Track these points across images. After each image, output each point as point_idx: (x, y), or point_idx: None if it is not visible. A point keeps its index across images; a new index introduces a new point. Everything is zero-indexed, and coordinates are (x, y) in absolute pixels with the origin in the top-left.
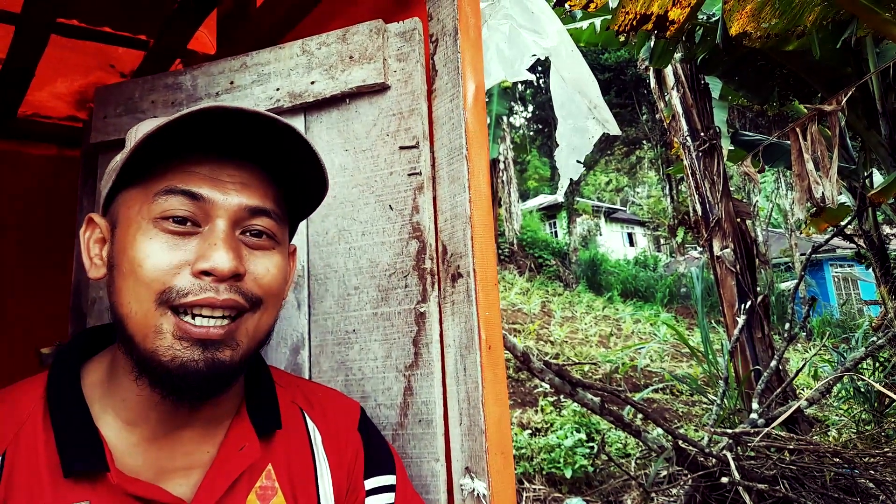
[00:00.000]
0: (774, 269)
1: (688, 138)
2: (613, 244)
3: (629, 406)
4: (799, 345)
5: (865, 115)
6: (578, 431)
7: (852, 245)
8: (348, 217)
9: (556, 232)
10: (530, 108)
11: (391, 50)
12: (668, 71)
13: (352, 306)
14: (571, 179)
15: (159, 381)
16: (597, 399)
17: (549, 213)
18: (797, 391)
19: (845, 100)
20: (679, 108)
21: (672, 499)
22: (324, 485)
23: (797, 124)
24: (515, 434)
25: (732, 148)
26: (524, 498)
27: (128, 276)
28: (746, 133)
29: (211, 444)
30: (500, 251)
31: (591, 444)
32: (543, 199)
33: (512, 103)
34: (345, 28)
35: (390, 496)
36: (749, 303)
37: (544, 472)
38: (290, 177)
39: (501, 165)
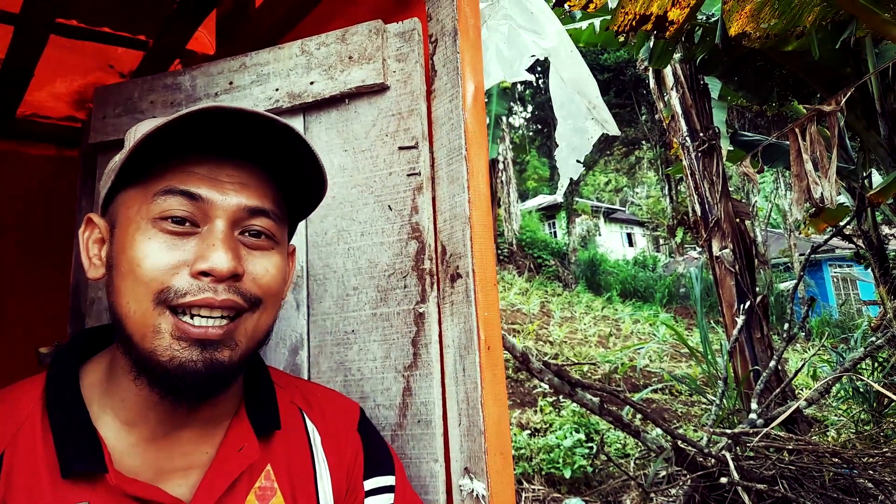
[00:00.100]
0: (773, 269)
1: (687, 138)
2: (612, 244)
3: (628, 406)
4: (798, 345)
5: (864, 115)
6: (577, 432)
7: (851, 245)
8: (347, 217)
9: (555, 232)
10: (529, 108)
11: (390, 50)
12: (668, 71)
13: (351, 307)
14: (571, 179)
15: (158, 381)
16: (596, 399)
17: (549, 213)
18: (796, 391)
19: (844, 100)
20: (678, 109)
21: (671, 499)
22: (323, 485)
23: (796, 125)
24: (514, 434)
25: (731, 148)
26: (523, 498)
27: (126, 276)
28: (745, 133)
29: (210, 444)
30: (500, 251)
31: (590, 445)
32: (542, 200)
33: (511, 104)
34: (344, 28)
35: (389, 497)
36: (748, 303)
37: (543, 473)
38: (289, 177)
39: (501, 166)
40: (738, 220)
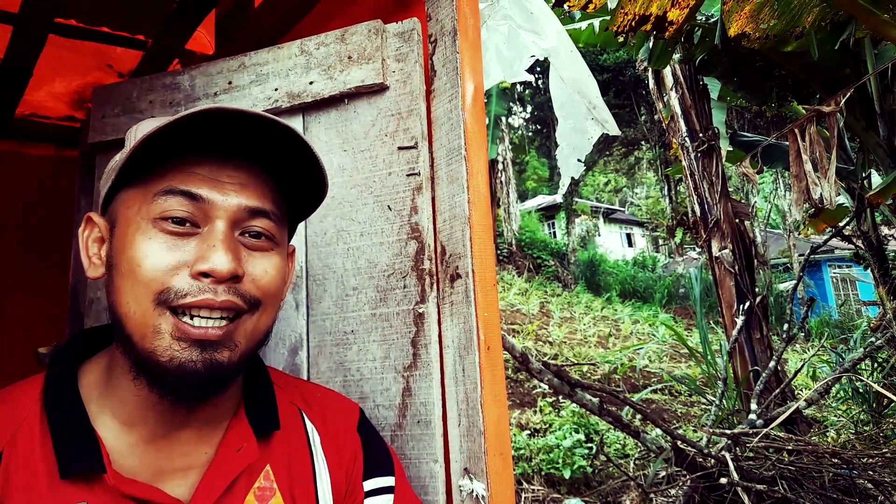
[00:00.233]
0: (773, 269)
1: (686, 139)
2: (612, 245)
3: (628, 406)
4: (797, 345)
5: (864, 116)
6: (577, 432)
7: (851, 246)
8: (347, 217)
9: (554, 232)
10: (529, 108)
11: (390, 50)
12: (667, 72)
13: (350, 307)
14: (573, 178)
15: (157, 382)
16: (595, 399)
17: (548, 213)
18: (796, 392)
19: (844, 101)
20: (678, 109)
21: (671, 499)
22: (322, 485)
23: (796, 125)
24: (514, 435)
25: (731, 149)
26: (523, 499)
27: (126, 276)
28: (745, 134)
29: (209, 444)
30: (499, 252)
31: (589, 445)
32: (542, 200)
33: (511, 104)
34: (343, 28)
35: (389, 498)
36: (748, 303)
37: (543, 473)
38: (289, 178)
39: (500, 166)
40: (737, 220)
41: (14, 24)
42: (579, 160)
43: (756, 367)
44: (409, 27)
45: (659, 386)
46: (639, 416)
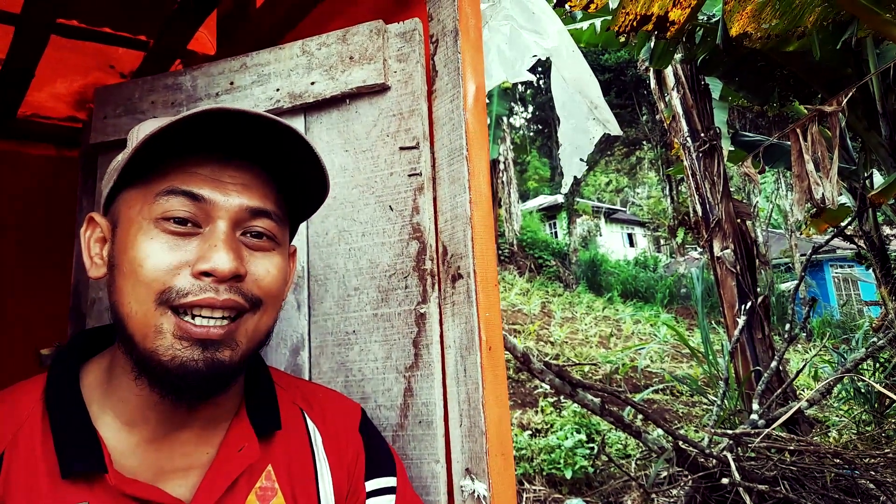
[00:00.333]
0: (774, 269)
1: (688, 139)
2: (613, 245)
3: (629, 407)
4: (799, 345)
5: (866, 115)
6: (579, 432)
7: (852, 246)
8: (348, 218)
9: (556, 232)
10: (530, 108)
11: (391, 50)
12: (669, 72)
13: (352, 307)
14: (575, 177)
15: (159, 381)
16: (597, 400)
17: (549, 213)
18: (797, 392)
19: (846, 101)
20: (679, 109)
21: (672, 499)
22: (324, 486)
23: (797, 125)
24: (515, 435)
25: (732, 149)
26: (524, 499)
27: (128, 276)
28: (746, 134)
29: (210, 444)
30: (500, 252)
31: (591, 445)
32: (543, 200)
33: (512, 104)
34: (345, 28)
35: (391, 498)
36: (749, 303)
37: (544, 473)
38: (290, 178)
39: (501, 166)
40: (739, 220)
41: (16, 24)
42: (581, 159)
43: (758, 367)
44: (410, 27)
45: (660, 386)
46: (640, 417)
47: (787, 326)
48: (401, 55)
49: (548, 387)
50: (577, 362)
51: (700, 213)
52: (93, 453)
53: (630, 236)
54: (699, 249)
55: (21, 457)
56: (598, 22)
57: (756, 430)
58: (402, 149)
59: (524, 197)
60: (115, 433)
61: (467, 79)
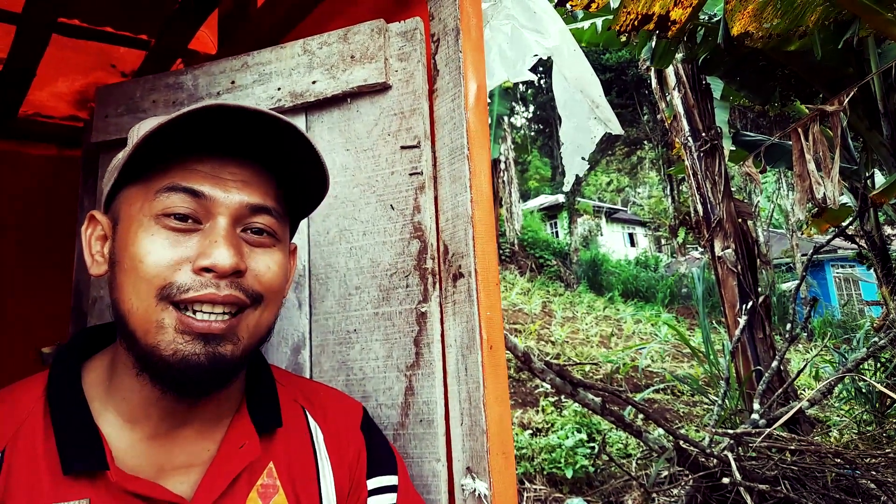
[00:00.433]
0: (776, 269)
1: (689, 138)
2: (614, 244)
3: (630, 406)
4: (800, 345)
5: (867, 115)
6: (579, 432)
7: (854, 245)
8: (349, 217)
9: (556, 232)
10: (531, 108)
11: (392, 49)
12: (670, 71)
13: (353, 306)
14: (577, 175)
15: (160, 377)
16: (598, 399)
17: (550, 213)
18: (798, 392)
19: (847, 100)
20: (680, 109)
21: (673, 499)
22: (326, 483)
23: (799, 124)
24: (516, 434)
25: (734, 148)
26: (525, 498)
27: (129, 273)
28: (748, 133)
29: (211, 441)
30: (501, 251)
31: (591, 445)
32: (544, 200)
33: (513, 103)
34: (346, 27)
35: (392, 497)
36: (750, 303)
37: (545, 473)
38: (290, 176)
39: (502, 166)
40: (740, 220)
41: (17, 23)
42: (583, 158)
43: (759, 367)
44: (411, 26)
45: (661, 386)
46: (641, 416)
47: (788, 326)
48: (402, 54)
49: (549, 386)
50: (578, 362)
51: (701, 213)
52: (94, 450)
53: (631, 236)
54: (700, 249)
55: (22, 454)
56: (599, 21)
57: (757, 430)
58: (403, 148)
59: (525, 196)
60: (116, 430)
61: (468, 78)
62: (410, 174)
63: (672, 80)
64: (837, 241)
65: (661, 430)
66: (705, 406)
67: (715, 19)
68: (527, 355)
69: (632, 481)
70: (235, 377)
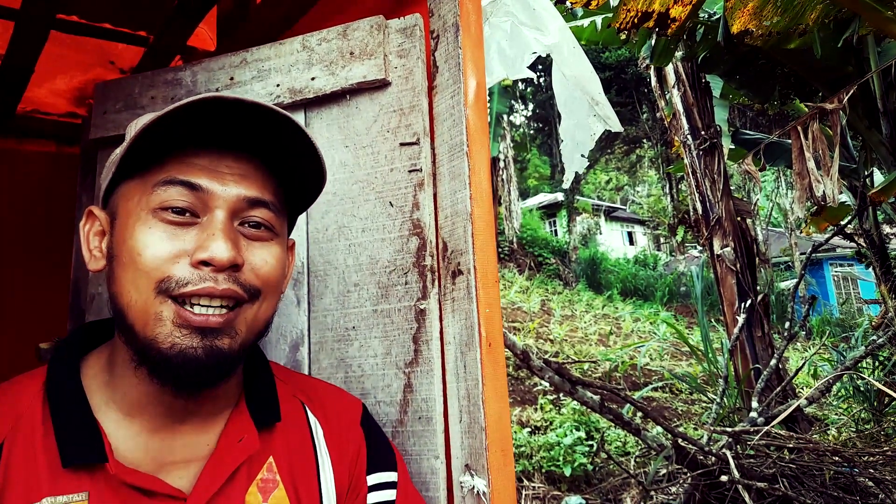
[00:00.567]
0: (774, 268)
1: (688, 137)
2: (613, 243)
3: (629, 404)
4: (799, 343)
5: (866, 114)
6: (578, 430)
7: (852, 244)
8: (348, 213)
9: (555, 230)
10: (530, 106)
11: (392, 46)
12: (669, 69)
13: (352, 303)
14: (576, 173)
15: (158, 371)
16: (596, 397)
17: (549, 211)
18: (797, 390)
19: (846, 99)
20: (680, 107)
21: (671, 497)
22: (325, 479)
23: (798, 123)
24: (515, 432)
25: (733, 146)
26: (523, 496)
27: (128, 267)
28: (747, 132)
29: (210, 436)
30: (500, 250)
31: (590, 443)
32: (543, 198)
33: (512, 102)
34: (345, 24)
35: (391, 493)
36: (749, 301)
37: (544, 470)
38: (288, 169)
39: (501, 164)
40: (739, 218)
41: (15, 20)
42: (582, 155)
43: (757, 366)
44: (411, 23)
45: (660, 384)
46: (639, 414)
47: (787, 324)
48: (401, 51)
49: (547, 384)
50: (577, 360)
51: (700, 211)
52: (93, 443)
53: (630, 234)
54: (699, 247)
55: (21, 448)
56: (598, 19)
57: (755, 428)
58: (402, 145)
59: (524, 195)
60: (115, 425)
61: (468, 74)
62: (409, 171)
63: (671, 78)
64: (836, 240)
65: (659, 429)
66: (704, 404)
67: (715, 17)
68: (525, 353)
69: (630, 479)
70: (233, 371)
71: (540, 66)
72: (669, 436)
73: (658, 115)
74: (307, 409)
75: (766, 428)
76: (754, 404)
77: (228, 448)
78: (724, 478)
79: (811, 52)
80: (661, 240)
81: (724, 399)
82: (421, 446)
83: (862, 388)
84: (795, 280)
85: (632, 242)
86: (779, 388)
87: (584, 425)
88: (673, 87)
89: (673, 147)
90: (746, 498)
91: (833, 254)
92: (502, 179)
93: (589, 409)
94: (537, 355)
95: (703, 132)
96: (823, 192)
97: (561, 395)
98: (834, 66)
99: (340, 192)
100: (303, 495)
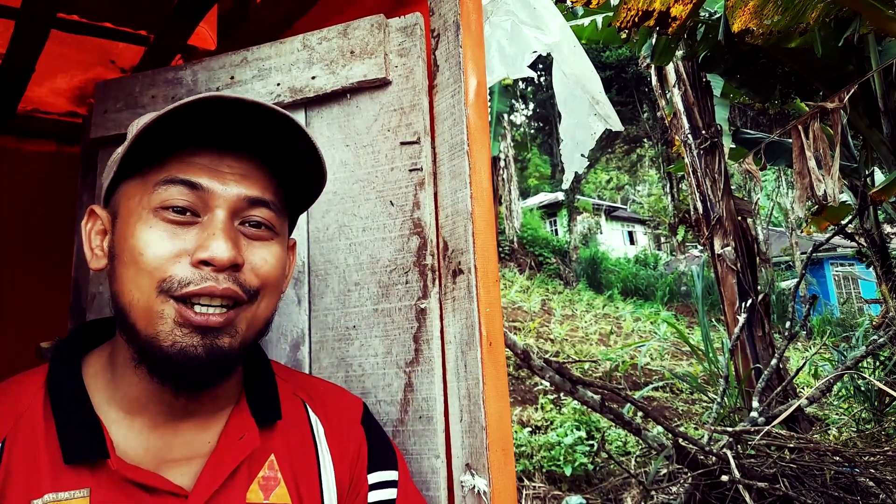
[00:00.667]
0: (775, 267)
1: (689, 136)
2: (614, 242)
3: (629, 404)
4: (799, 343)
5: (867, 113)
6: (578, 429)
7: (853, 244)
8: (349, 213)
9: (556, 230)
10: (531, 105)
11: (392, 45)
12: (670, 68)
13: (352, 302)
14: (576, 172)
15: (158, 369)
16: (597, 397)
17: (550, 211)
18: (797, 390)
19: (847, 98)
20: (680, 106)
21: (672, 497)
22: (327, 477)
23: (799, 122)
24: (515, 431)
25: (734, 146)
26: (524, 496)
27: (129, 266)
28: (748, 131)
29: (211, 434)
30: (501, 249)
31: (591, 442)
32: (544, 198)
33: (513, 101)
34: (346, 23)
35: (392, 492)
36: (750, 301)
37: (544, 470)
38: (288, 169)
39: (502, 163)
40: (739, 217)
41: (16, 19)
42: (583, 155)
43: (758, 365)
44: (411, 22)
45: (660, 383)
46: (640, 414)
47: (788, 324)
48: (402, 50)
49: (548, 384)
50: (577, 359)
51: (701, 211)
52: (95, 439)
53: (630, 234)
54: (700, 247)
55: (22, 445)
56: (599, 18)
57: (756, 428)
58: (402, 144)
59: (525, 194)
60: (117, 423)
61: (468, 73)
62: (410, 170)
63: (672, 77)
64: (837, 239)
65: (660, 428)
66: (704, 404)
67: (715, 16)
68: (526, 353)
69: (631, 479)
70: (234, 370)
71: (540, 65)
72: (670, 435)
73: (658, 114)
74: (308, 407)
75: (767, 428)
76: (755, 404)
77: (229, 446)
78: (724, 478)
79: (812, 51)
80: (662, 239)
81: (725, 399)
82: (421, 445)
83: (863, 388)
84: (796, 279)
85: (632, 242)
86: (779, 388)
87: (585, 425)
88: (673, 86)
89: (673, 146)
90: (747, 498)
91: (834, 253)
92: (503, 179)
93: (589, 409)
94: (538, 355)
95: (703, 131)
96: (824, 191)
97: (561, 394)
98: (835, 66)
99: (341, 192)
100: (304, 493)
